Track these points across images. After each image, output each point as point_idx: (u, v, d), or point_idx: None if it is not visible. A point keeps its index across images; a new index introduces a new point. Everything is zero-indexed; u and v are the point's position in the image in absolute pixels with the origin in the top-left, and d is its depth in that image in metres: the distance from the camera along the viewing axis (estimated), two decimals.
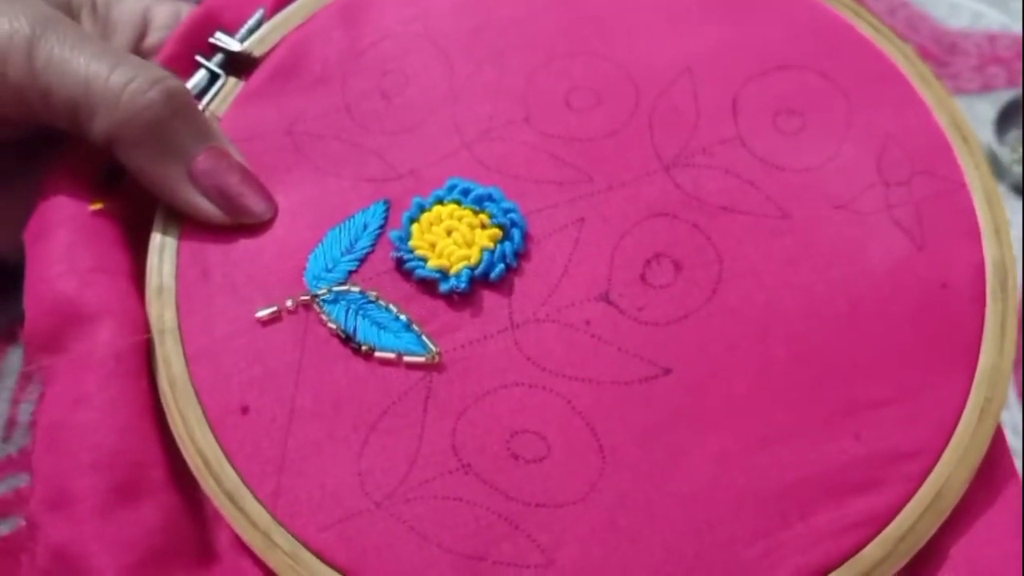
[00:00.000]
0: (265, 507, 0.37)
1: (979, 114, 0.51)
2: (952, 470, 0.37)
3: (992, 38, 0.51)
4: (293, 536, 0.37)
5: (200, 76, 0.47)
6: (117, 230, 0.43)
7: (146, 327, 0.40)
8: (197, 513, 0.38)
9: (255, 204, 0.42)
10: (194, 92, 0.46)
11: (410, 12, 0.47)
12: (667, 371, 0.39)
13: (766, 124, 0.44)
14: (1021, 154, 0.51)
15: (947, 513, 0.37)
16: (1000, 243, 0.41)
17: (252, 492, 0.37)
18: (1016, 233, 0.42)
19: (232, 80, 0.47)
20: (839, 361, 0.39)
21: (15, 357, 0.46)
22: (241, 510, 0.37)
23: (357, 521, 0.37)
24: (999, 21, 0.51)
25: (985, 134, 0.51)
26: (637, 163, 0.43)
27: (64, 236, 0.41)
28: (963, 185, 0.43)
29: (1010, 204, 0.49)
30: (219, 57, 0.47)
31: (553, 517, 0.36)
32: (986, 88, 0.50)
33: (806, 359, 0.39)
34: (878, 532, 0.36)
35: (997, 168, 0.51)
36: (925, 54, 0.44)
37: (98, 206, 0.43)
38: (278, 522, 0.37)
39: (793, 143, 0.43)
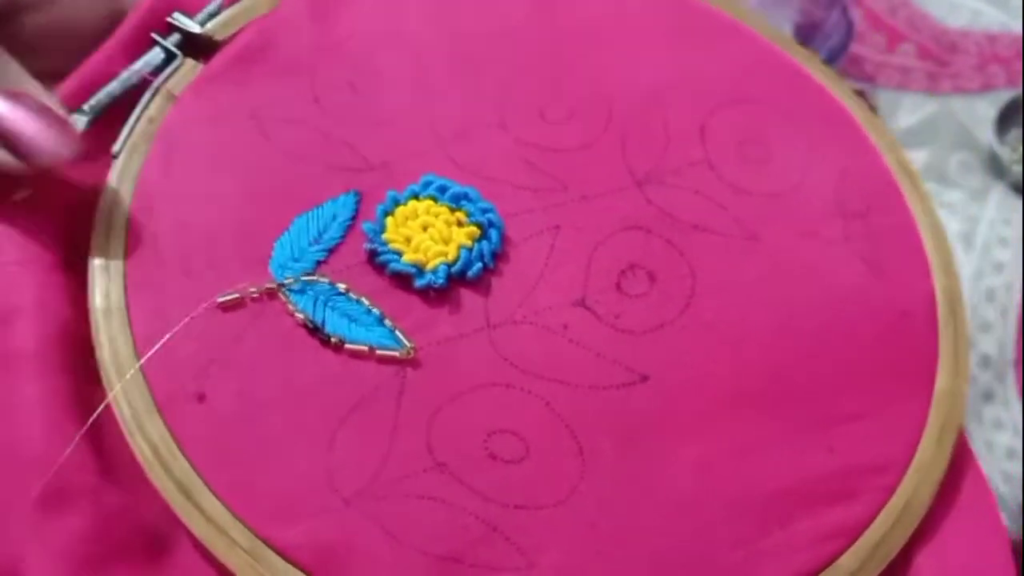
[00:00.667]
0: (222, 501, 0.34)
1: (979, 113, 0.52)
2: (917, 484, 0.38)
3: (992, 38, 0.52)
4: (254, 533, 0.34)
5: (153, 53, 0.45)
6: (45, 217, 0.40)
7: (72, 319, 0.37)
8: (144, 511, 0.35)
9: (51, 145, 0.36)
10: (147, 70, 0.44)
11: (385, 14, 0.47)
12: (644, 378, 0.38)
13: (732, 151, 0.45)
14: (1021, 153, 0.52)
15: (916, 524, 0.37)
16: (947, 275, 0.44)
17: (207, 485, 0.34)
18: (1016, 234, 0.43)
19: (190, 62, 0.44)
20: (811, 376, 0.39)
21: None
22: (195, 505, 0.34)
23: (325, 518, 0.34)
24: (998, 20, 0.52)
25: (985, 133, 0.52)
26: (610, 177, 0.43)
27: None
28: (912, 222, 0.45)
29: (1010, 203, 0.50)
30: (176, 37, 0.45)
31: (533, 519, 0.35)
32: (986, 87, 0.52)
33: (779, 373, 0.39)
34: (853, 542, 0.37)
35: (997, 168, 0.52)
36: (925, 53, 0.45)
37: (22, 195, 0.39)
38: (237, 517, 0.34)
39: (758, 170, 0.45)
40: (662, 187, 0.43)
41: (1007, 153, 0.52)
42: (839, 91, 0.49)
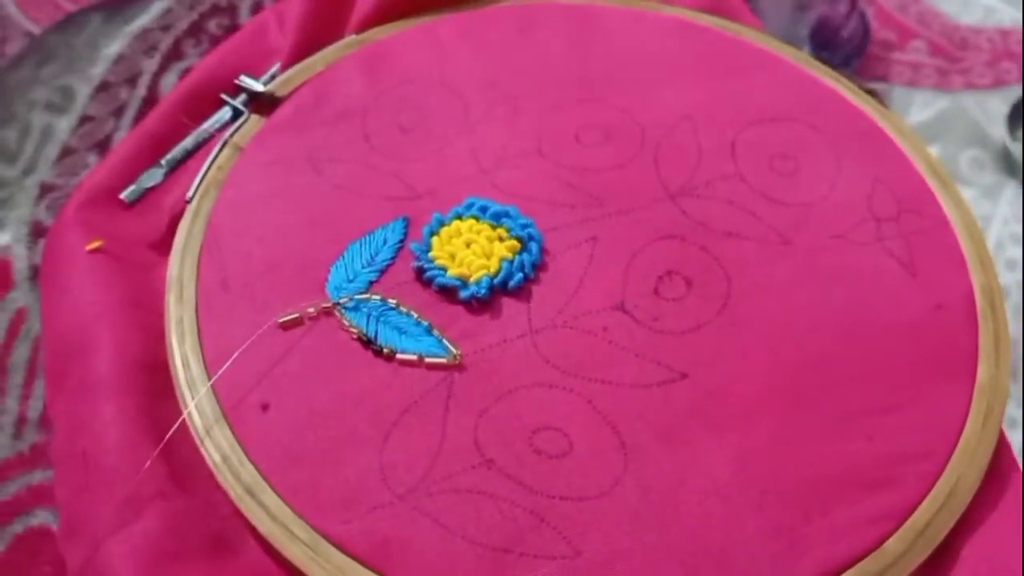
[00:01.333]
0: (284, 500, 0.36)
1: (991, 109, 0.51)
2: (963, 470, 0.38)
3: (1004, 33, 0.51)
4: (313, 528, 0.36)
5: (222, 112, 0.49)
6: (115, 263, 0.44)
7: (144, 347, 0.41)
8: (211, 512, 0.37)
9: None
10: (217, 126, 0.48)
11: (427, 61, 0.50)
12: (684, 375, 0.40)
13: (763, 165, 0.47)
14: None
15: (962, 510, 0.37)
16: (985, 272, 0.44)
17: (271, 486, 0.37)
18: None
19: (255, 117, 0.49)
20: (847, 371, 0.40)
21: (22, 349, 0.45)
22: (260, 504, 0.36)
23: (379, 513, 0.36)
24: (1010, 16, 0.51)
25: (998, 129, 0.50)
26: (644, 192, 0.45)
27: (65, 278, 0.43)
28: (946, 222, 0.46)
29: (1022, 201, 0.49)
30: (242, 97, 0.50)
31: (578, 510, 0.36)
32: (998, 83, 0.51)
33: (816, 368, 0.40)
34: (898, 527, 0.37)
35: (1010, 165, 0.50)
36: (936, 50, 0.45)
37: (95, 244, 0.44)
38: (297, 514, 0.36)
39: (789, 182, 0.46)
40: (695, 199, 0.45)
41: (1020, 150, 0.51)
42: (865, 104, 0.50)
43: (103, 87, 0.61)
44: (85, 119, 0.59)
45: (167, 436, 0.38)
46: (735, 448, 0.38)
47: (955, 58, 0.43)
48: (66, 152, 0.58)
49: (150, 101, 0.60)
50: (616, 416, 0.38)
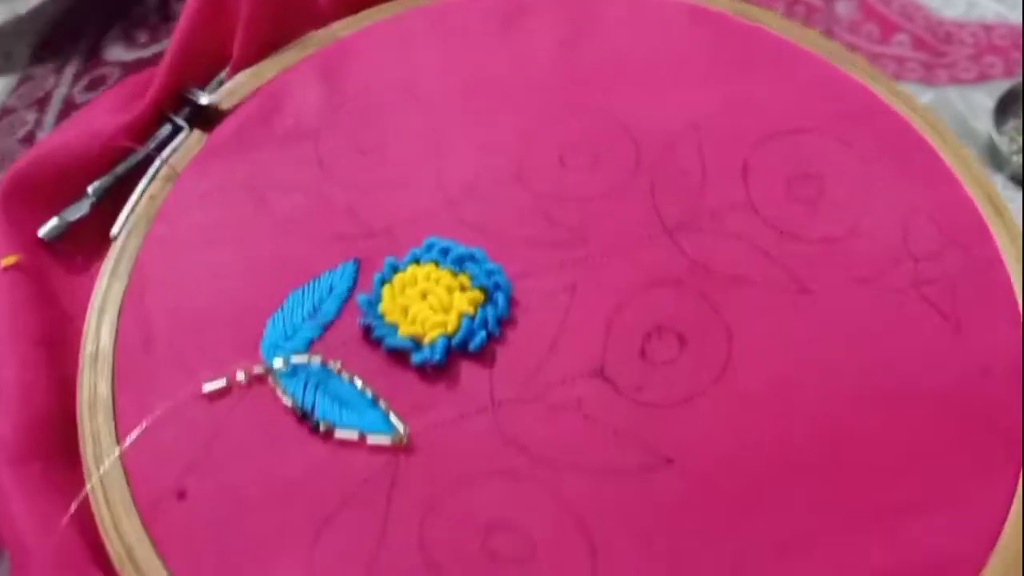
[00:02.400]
0: None
1: (976, 104, 0.50)
2: None
3: (988, 27, 0.50)
4: None
5: (163, 130, 0.43)
6: (31, 286, 0.39)
7: (54, 400, 0.36)
8: None
9: None
10: (153, 145, 0.43)
11: (394, 66, 0.44)
12: (668, 461, 0.34)
13: (780, 190, 0.40)
14: (1021, 144, 0.49)
15: None
16: None
17: None
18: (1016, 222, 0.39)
19: (197, 135, 0.43)
20: (869, 456, 0.34)
21: None
22: None
23: None
24: (993, 10, 0.51)
25: (983, 124, 0.49)
26: (637, 226, 0.39)
27: None
28: (999, 260, 0.38)
29: (1009, 194, 0.47)
30: (186, 111, 0.44)
31: None
32: (983, 78, 0.49)
33: (830, 452, 0.34)
34: None
35: (996, 159, 0.49)
36: (920, 44, 0.43)
37: (10, 260, 0.38)
38: None
39: (810, 211, 0.39)
40: (697, 234, 0.38)
41: (1006, 144, 0.49)
42: (909, 111, 0.42)
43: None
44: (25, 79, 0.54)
45: (69, 513, 0.33)
46: (729, 556, 0.32)
47: (939, 52, 0.40)
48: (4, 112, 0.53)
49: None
50: (588, 512, 0.33)
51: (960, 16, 0.50)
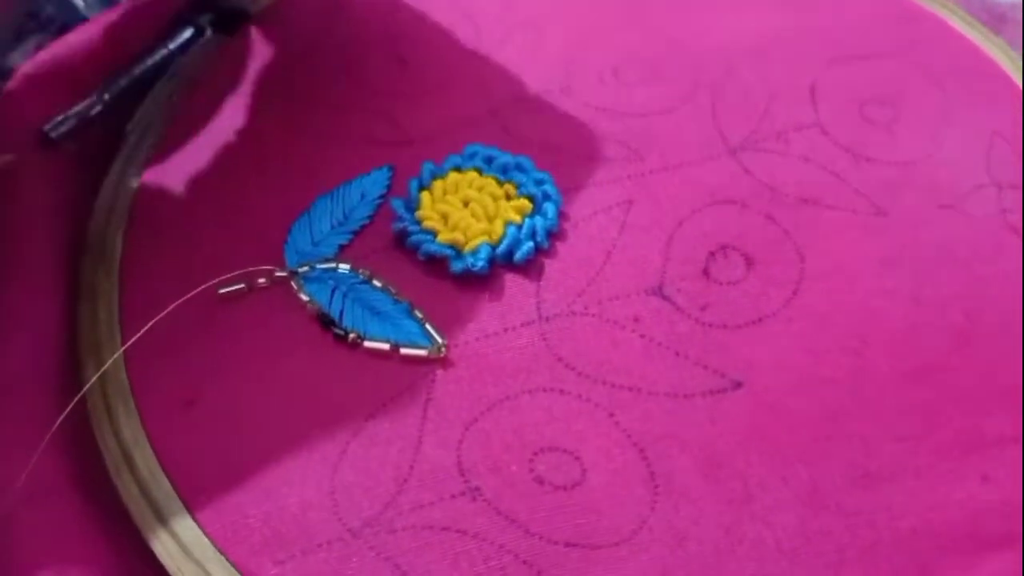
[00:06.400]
0: (202, 528, 0.28)
1: None
2: None
3: None
4: (237, 569, 0.27)
5: (184, 32, 0.40)
6: (36, 190, 0.35)
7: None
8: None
9: None
10: (175, 47, 0.39)
11: None
12: (738, 384, 0.30)
13: (852, 113, 0.37)
14: None
15: None
16: None
17: (187, 507, 0.28)
18: None
19: (219, 38, 0.40)
20: (956, 384, 0.30)
21: None
22: (169, 530, 0.28)
23: (325, 554, 0.27)
24: None
25: None
26: (698, 144, 0.35)
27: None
28: None
29: None
30: (209, 15, 0.41)
31: (588, 562, 0.27)
32: None
33: (914, 378, 0.30)
34: None
35: None
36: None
37: (6, 158, 0.35)
38: (218, 549, 0.27)
39: (885, 135, 0.36)
40: (762, 154, 0.35)
41: None
42: (989, 44, 0.39)
43: None
44: None
45: (59, 418, 0.29)
46: (804, 486, 0.28)
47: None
48: None
49: None
50: (645, 436, 0.29)
51: None
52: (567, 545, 0.27)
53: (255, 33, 0.40)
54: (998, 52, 0.39)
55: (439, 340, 0.30)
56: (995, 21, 0.50)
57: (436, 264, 0.32)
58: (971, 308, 0.32)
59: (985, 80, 0.39)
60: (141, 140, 0.36)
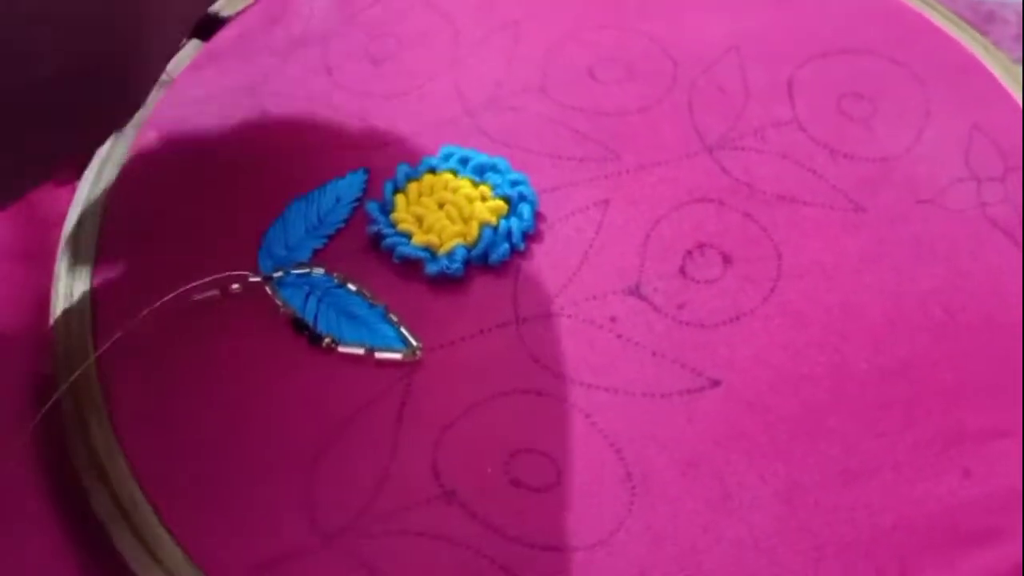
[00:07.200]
0: (173, 537, 0.27)
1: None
2: None
3: None
4: None
5: None
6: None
7: (23, 319, 0.32)
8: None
9: None
10: None
11: None
12: (715, 383, 0.30)
13: (829, 108, 0.37)
14: None
15: None
16: None
17: (158, 514, 0.28)
18: None
19: (194, 43, 0.39)
20: (935, 379, 0.30)
21: None
22: (140, 538, 0.27)
23: (300, 562, 0.27)
24: None
25: None
26: (675, 142, 0.35)
27: None
28: None
29: None
30: None
31: (566, 565, 0.27)
32: None
33: (893, 373, 0.30)
34: None
35: None
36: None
37: None
38: (187, 557, 0.27)
39: (863, 130, 0.36)
40: (739, 152, 0.35)
41: None
42: (963, 34, 0.39)
43: None
44: None
45: (36, 420, 0.29)
46: (783, 484, 0.28)
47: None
48: None
49: None
50: (622, 437, 0.29)
51: None
52: (544, 548, 0.27)
53: (229, 33, 0.39)
54: (978, 47, 0.39)
55: (414, 343, 0.30)
56: (982, 21, 0.50)
57: (411, 267, 0.32)
58: (951, 303, 0.32)
59: (964, 74, 0.38)
60: (114, 145, 0.36)
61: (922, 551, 0.27)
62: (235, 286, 0.32)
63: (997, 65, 0.38)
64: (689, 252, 0.32)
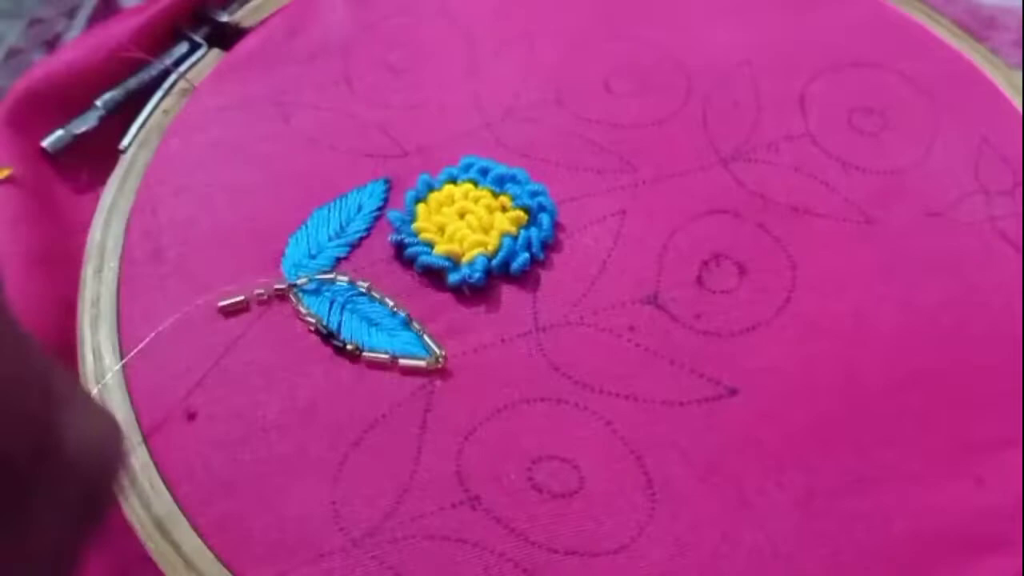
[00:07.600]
0: (204, 540, 0.28)
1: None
2: None
3: None
4: None
5: (179, 47, 0.41)
6: (28, 201, 0.36)
7: (48, 322, 0.32)
8: (117, 552, 0.29)
9: None
10: (171, 61, 0.40)
11: None
12: (733, 392, 0.30)
13: (840, 122, 0.37)
14: None
15: None
16: None
17: (189, 520, 0.28)
18: None
19: (215, 52, 0.40)
20: (947, 389, 0.31)
21: None
22: (172, 543, 0.28)
23: (327, 563, 0.27)
24: None
25: None
26: (690, 155, 0.36)
27: None
28: None
29: None
30: (204, 29, 0.41)
31: (587, 570, 0.27)
32: None
33: (905, 384, 0.31)
34: None
35: None
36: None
37: (4, 173, 0.35)
38: (219, 559, 0.27)
39: (874, 144, 0.37)
40: (753, 164, 0.36)
41: None
42: (973, 52, 0.40)
43: None
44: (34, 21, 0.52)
45: None
46: (799, 491, 0.29)
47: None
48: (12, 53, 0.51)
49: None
50: (643, 444, 0.29)
51: (1002, 1, 0.49)
52: (566, 553, 0.28)
53: (249, 43, 0.40)
54: (981, 60, 0.40)
55: (437, 351, 0.31)
56: (982, 26, 0.51)
57: (433, 276, 0.32)
58: (961, 314, 0.32)
59: (972, 88, 0.39)
60: (137, 154, 0.36)
61: (936, 559, 0.28)
62: (260, 292, 0.32)
63: (998, 74, 0.39)
64: (705, 262, 0.33)
